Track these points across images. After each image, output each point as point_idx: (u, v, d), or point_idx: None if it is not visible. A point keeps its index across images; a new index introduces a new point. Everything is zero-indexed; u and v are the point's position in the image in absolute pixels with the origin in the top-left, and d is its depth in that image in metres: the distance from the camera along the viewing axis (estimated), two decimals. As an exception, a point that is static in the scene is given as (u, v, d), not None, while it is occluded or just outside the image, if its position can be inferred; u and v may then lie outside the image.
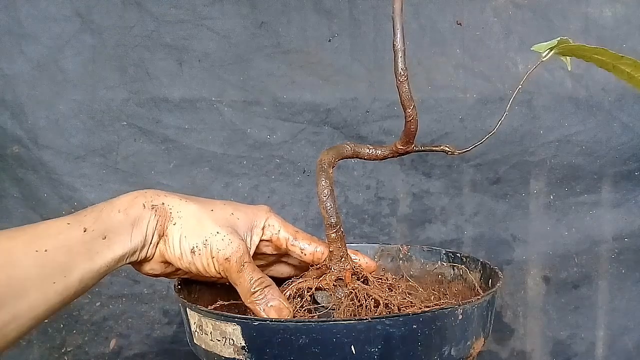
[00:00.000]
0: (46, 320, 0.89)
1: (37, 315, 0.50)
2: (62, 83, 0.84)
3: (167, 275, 0.58)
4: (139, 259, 0.56)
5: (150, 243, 0.55)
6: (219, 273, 0.55)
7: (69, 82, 0.84)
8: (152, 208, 0.55)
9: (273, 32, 0.85)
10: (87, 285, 0.53)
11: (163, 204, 0.55)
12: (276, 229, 0.59)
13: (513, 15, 0.86)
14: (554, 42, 0.53)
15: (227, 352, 0.49)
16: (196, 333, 0.53)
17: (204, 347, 0.52)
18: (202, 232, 0.55)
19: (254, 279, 0.53)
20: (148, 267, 0.57)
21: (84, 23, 0.83)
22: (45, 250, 0.50)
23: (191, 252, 0.55)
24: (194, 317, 0.52)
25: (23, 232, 0.52)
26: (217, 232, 0.55)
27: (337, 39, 0.86)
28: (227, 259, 0.54)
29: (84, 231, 0.53)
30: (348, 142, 0.60)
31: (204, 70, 0.86)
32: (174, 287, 0.58)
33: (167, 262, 0.56)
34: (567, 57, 0.55)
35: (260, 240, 0.59)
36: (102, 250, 0.53)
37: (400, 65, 0.53)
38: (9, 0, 0.82)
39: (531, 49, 0.54)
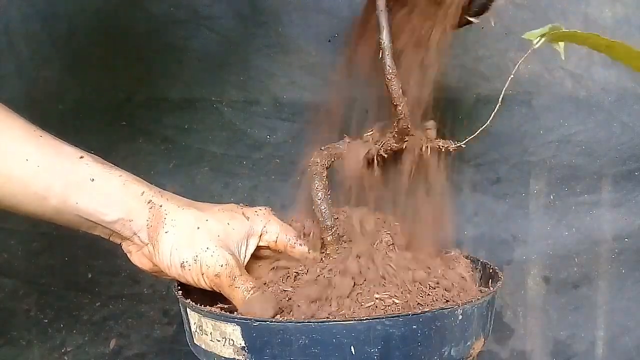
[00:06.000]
0: (46, 320, 0.89)
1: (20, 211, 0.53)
2: (61, 83, 0.84)
3: (158, 274, 0.58)
4: (119, 240, 0.56)
5: (134, 233, 0.55)
6: (211, 288, 0.55)
7: (68, 81, 0.84)
8: (149, 203, 0.55)
9: (273, 32, 0.85)
10: (63, 216, 0.53)
11: (161, 206, 0.55)
12: (274, 235, 0.59)
13: (513, 15, 0.86)
14: (546, 29, 0.52)
15: (227, 352, 0.49)
16: (196, 333, 0.53)
17: (204, 347, 0.52)
18: (193, 246, 0.54)
19: (247, 290, 0.53)
20: (137, 259, 0.57)
21: (83, 23, 0.83)
22: (38, 166, 0.51)
23: (181, 266, 0.54)
24: (194, 318, 0.52)
25: (36, 139, 0.53)
26: (207, 248, 0.54)
27: (337, 39, 0.86)
28: (217, 275, 0.53)
29: (80, 157, 0.53)
30: (341, 142, 0.59)
31: (204, 70, 0.86)
32: (174, 287, 0.58)
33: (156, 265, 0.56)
34: (561, 45, 0.54)
35: (259, 246, 0.59)
36: (84, 189, 0.53)
37: (388, 61, 0.52)
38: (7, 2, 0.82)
39: (522, 36, 0.53)
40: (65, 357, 0.89)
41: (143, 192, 0.55)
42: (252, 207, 0.62)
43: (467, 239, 0.91)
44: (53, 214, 0.53)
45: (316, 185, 0.57)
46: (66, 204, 0.53)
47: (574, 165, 0.89)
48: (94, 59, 0.85)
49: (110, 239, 0.57)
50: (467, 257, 0.63)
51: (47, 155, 0.52)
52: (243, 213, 0.59)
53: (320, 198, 0.56)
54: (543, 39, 0.52)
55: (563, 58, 0.56)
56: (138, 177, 0.57)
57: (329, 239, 0.56)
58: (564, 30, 0.52)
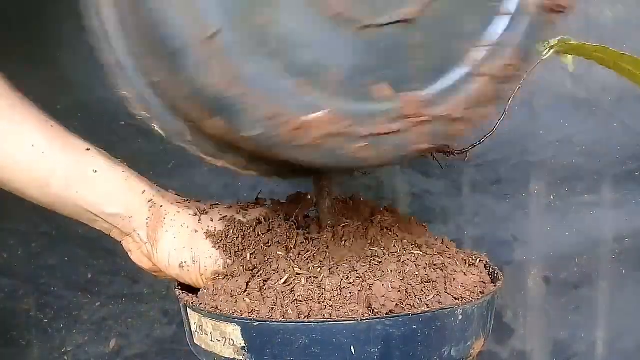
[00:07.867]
0: (46, 320, 0.89)
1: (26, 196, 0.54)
2: (61, 82, 0.84)
3: (158, 273, 0.58)
4: (119, 237, 0.56)
5: (134, 229, 0.55)
6: None
7: (67, 81, 0.84)
8: (149, 202, 0.55)
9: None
10: (64, 206, 0.54)
11: (161, 206, 0.55)
12: None
13: (513, 15, 0.86)
14: (554, 40, 0.53)
15: (227, 352, 0.49)
16: (196, 333, 0.53)
17: (204, 347, 0.52)
18: (191, 247, 0.54)
19: None
20: (137, 257, 0.57)
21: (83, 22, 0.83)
22: (43, 153, 0.52)
23: (179, 266, 0.54)
24: (194, 317, 0.52)
25: (46, 129, 0.54)
26: (206, 249, 0.54)
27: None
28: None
29: (87, 149, 0.54)
30: None
31: (204, 70, 0.85)
32: (174, 286, 0.58)
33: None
34: (569, 58, 0.55)
35: None
36: (86, 180, 0.53)
37: None
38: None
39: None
40: (65, 357, 0.89)
41: (144, 191, 0.55)
42: (253, 207, 0.62)
43: (467, 240, 0.91)
44: (55, 202, 0.54)
45: (321, 183, 0.57)
46: (67, 192, 0.53)
47: (574, 166, 0.89)
48: (93, 59, 0.84)
49: (111, 235, 0.57)
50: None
51: (54, 144, 0.53)
52: (243, 213, 0.59)
53: (323, 197, 0.56)
54: (552, 51, 0.53)
55: (572, 70, 0.57)
56: (141, 176, 0.57)
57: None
58: (572, 42, 0.52)
